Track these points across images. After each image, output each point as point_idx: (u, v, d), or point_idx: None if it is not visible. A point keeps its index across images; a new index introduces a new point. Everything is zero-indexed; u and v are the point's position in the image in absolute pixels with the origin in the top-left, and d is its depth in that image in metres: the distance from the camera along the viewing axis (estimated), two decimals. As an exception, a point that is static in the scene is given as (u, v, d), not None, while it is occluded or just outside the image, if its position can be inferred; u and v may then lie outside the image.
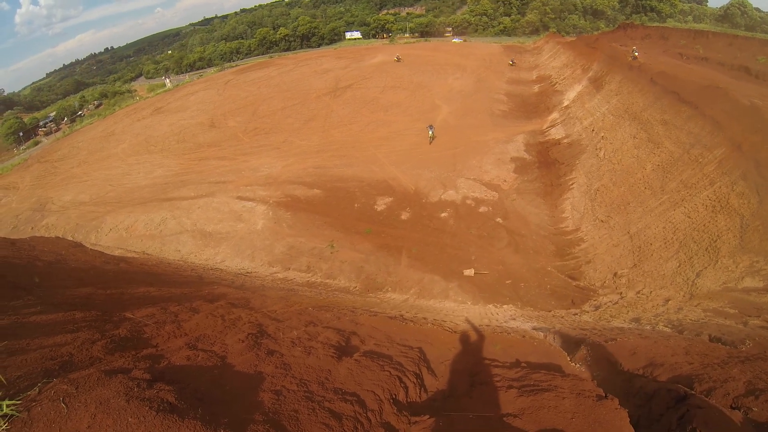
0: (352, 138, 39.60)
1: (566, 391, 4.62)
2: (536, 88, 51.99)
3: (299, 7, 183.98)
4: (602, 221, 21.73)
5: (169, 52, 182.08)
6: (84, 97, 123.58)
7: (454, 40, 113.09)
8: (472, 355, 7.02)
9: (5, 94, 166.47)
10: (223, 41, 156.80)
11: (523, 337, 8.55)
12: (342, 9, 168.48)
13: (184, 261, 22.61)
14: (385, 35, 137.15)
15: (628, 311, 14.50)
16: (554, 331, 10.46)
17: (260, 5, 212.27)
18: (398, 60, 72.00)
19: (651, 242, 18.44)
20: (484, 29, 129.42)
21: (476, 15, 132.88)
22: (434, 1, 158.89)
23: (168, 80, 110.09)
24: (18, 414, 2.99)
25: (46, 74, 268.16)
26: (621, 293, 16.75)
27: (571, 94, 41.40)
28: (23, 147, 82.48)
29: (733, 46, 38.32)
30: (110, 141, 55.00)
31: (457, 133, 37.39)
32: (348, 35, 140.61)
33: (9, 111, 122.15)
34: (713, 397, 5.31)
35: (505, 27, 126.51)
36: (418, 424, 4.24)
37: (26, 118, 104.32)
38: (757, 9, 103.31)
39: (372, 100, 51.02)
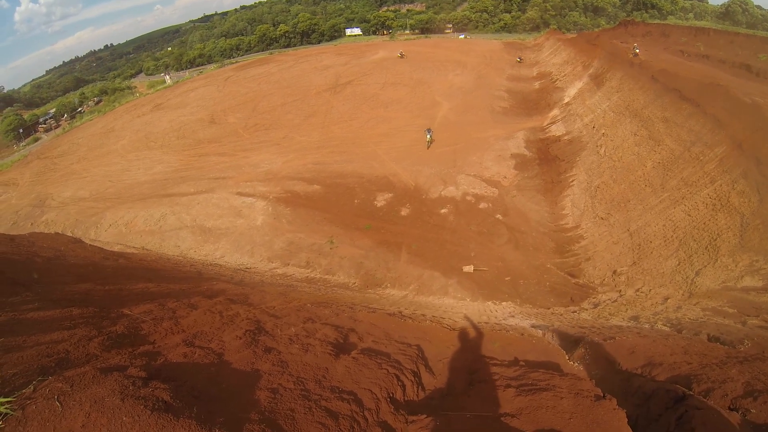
0: (352, 134, 39.57)
1: (564, 390, 4.60)
2: (537, 84, 51.90)
3: (299, 3, 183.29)
4: (602, 218, 21.71)
5: (169, 48, 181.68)
6: (84, 93, 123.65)
7: (460, 36, 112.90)
8: (470, 353, 7.01)
9: (5, 91, 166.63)
10: (223, 38, 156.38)
11: (522, 335, 8.54)
12: (342, 5, 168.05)
13: (184, 257, 22.60)
14: (385, 32, 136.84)
15: (627, 309, 14.48)
16: (553, 329, 10.45)
17: (260, 2, 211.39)
18: (402, 56, 71.75)
19: (651, 240, 18.43)
20: (484, 26, 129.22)
21: (477, 12, 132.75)
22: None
23: (168, 77, 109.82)
24: (12, 412, 2.97)
25: (46, 71, 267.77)
26: (620, 291, 16.74)
27: (571, 91, 41.34)
28: (23, 144, 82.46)
29: (734, 43, 38.11)
30: (110, 137, 54.94)
31: (457, 129, 37.35)
32: (348, 32, 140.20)
33: (9, 108, 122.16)
34: (711, 397, 5.30)
35: (505, 24, 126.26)
36: (416, 423, 4.22)
37: (26, 115, 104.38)
38: (759, 6, 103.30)
39: (372, 97, 50.95)
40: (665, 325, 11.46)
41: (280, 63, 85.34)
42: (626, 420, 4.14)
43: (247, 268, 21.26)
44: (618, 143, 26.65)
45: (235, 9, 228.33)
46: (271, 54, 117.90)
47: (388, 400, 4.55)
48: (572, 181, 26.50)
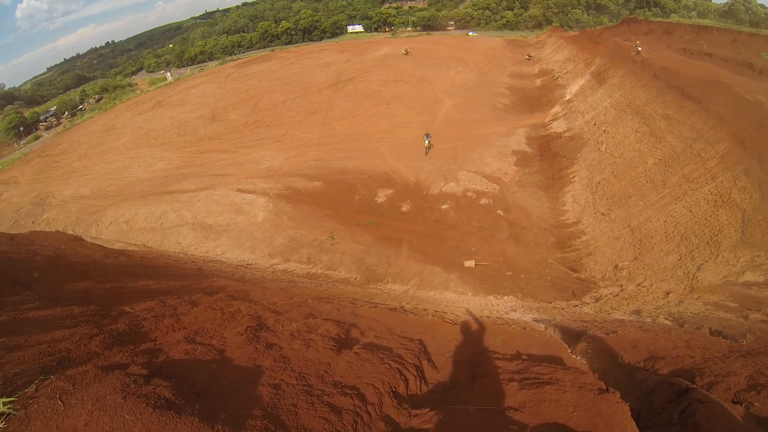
0: (353, 131, 39.53)
1: (567, 384, 4.58)
2: (538, 81, 51.84)
3: (301, 0, 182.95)
4: (603, 214, 21.68)
5: (171, 45, 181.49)
6: (85, 91, 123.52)
7: (468, 33, 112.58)
8: (472, 346, 6.99)
9: (6, 89, 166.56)
10: (225, 35, 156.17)
11: (524, 329, 8.53)
12: (344, 2, 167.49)
13: (185, 253, 22.62)
14: (387, 29, 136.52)
15: (628, 303, 14.49)
16: (555, 323, 10.44)
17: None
18: (406, 53, 71.38)
19: (652, 235, 18.41)
20: (486, 23, 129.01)
21: (479, 9, 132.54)
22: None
23: (169, 74, 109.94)
24: (15, 412, 2.97)
25: (47, 69, 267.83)
26: (622, 285, 16.74)
27: (573, 88, 41.29)
28: (24, 141, 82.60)
29: (737, 42, 37.97)
30: (111, 135, 54.97)
31: (458, 126, 37.31)
32: (350, 29, 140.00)
33: (10, 106, 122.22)
34: (714, 391, 5.28)
35: (507, 21, 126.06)
36: (419, 417, 4.21)
37: (27, 113, 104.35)
38: (762, 5, 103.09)
39: (374, 94, 50.88)
40: (667, 319, 11.46)
41: (282, 60, 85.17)
42: (629, 413, 4.13)
43: (248, 264, 21.27)
44: (619, 140, 26.60)
45: (237, 6, 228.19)
46: (272, 51, 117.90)
47: (391, 394, 4.54)
48: (573, 178, 26.46)
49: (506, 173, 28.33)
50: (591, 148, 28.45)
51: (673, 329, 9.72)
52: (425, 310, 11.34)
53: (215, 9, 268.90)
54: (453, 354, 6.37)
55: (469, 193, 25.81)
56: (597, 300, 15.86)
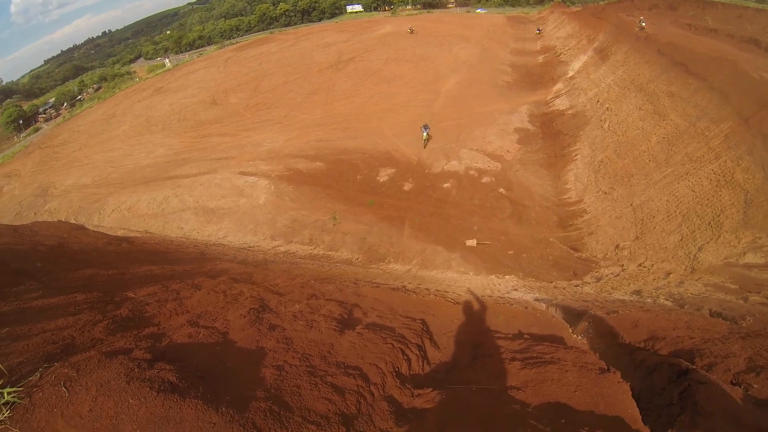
0: (354, 110, 39.24)
1: (569, 363, 4.62)
2: (541, 58, 51.16)
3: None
4: (605, 193, 21.60)
5: (168, 32, 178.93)
6: (83, 81, 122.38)
7: (478, 11, 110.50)
8: (475, 326, 7.03)
9: (4, 83, 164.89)
10: (223, 19, 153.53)
11: (526, 308, 8.56)
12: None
13: (187, 238, 22.68)
14: (387, 8, 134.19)
15: (629, 284, 14.52)
16: (556, 302, 10.48)
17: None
18: (411, 32, 70.28)
19: (654, 215, 18.36)
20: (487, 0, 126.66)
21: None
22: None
23: (167, 60, 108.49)
24: (20, 400, 3.00)
25: (44, 61, 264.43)
26: (623, 265, 16.76)
27: (576, 65, 40.78)
28: (24, 134, 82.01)
29: (743, 17, 37.27)
30: (111, 123, 54.56)
31: (460, 103, 36.99)
32: (349, 8, 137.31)
33: (8, 100, 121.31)
34: (714, 372, 5.32)
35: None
36: (422, 397, 4.24)
37: (26, 106, 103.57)
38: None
39: (375, 73, 50.34)
40: (668, 300, 11.50)
41: (281, 42, 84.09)
42: (630, 393, 4.17)
43: (250, 247, 21.33)
44: (622, 118, 26.35)
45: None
46: (271, 33, 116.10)
47: (394, 374, 4.58)
48: (576, 156, 26.30)
49: (508, 151, 28.17)
50: (594, 125, 28.22)
51: (673, 310, 9.76)
52: (427, 289, 11.38)
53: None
54: (455, 334, 6.41)
55: (471, 172, 25.70)
56: (598, 280, 15.89)
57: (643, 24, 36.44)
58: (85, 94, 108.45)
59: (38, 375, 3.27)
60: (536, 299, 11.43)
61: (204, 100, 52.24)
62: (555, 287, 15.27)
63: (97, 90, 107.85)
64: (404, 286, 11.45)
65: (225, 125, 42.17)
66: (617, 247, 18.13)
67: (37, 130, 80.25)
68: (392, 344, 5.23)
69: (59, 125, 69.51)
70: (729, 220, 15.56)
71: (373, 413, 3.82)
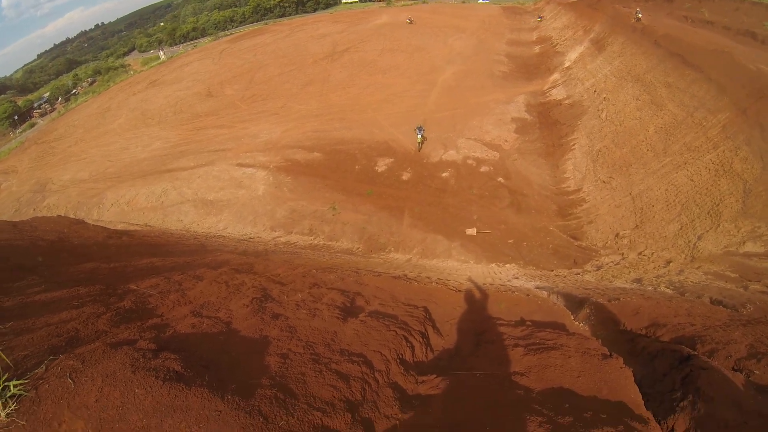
0: (350, 101, 39.07)
1: (572, 349, 4.63)
2: (537, 49, 50.93)
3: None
4: (604, 182, 21.61)
5: (162, 24, 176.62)
6: (77, 75, 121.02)
7: (480, 1, 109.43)
8: (477, 313, 7.05)
9: None
10: (216, 10, 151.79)
11: (527, 296, 8.59)
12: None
13: (187, 230, 22.67)
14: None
15: (629, 272, 14.58)
16: (557, 290, 10.51)
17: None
18: (411, 22, 69.64)
19: (653, 204, 18.40)
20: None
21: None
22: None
23: (162, 52, 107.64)
24: (26, 393, 3.00)
25: (37, 56, 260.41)
26: (623, 254, 16.80)
27: (572, 56, 40.66)
28: (19, 130, 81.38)
29: (740, 10, 37.03)
30: (106, 117, 54.24)
31: (457, 94, 36.85)
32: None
33: (2, 95, 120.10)
34: (715, 358, 5.36)
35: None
36: (426, 384, 4.27)
37: (20, 101, 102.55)
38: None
39: (370, 63, 50.05)
40: (668, 288, 11.55)
41: (276, 33, 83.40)
42: (633, 379, 4.19)
43: (250, 238, 21.33)
44: (620, 108, 26.32)
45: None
46: (266, 24, 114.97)
47: (398, 361, 4.60)
48: (573, 145, 26.28)
49: (506, 141, 28.12)
50: (591, 115, 28.17)
51: (674, 297, 9.80)
52: (428, 278, 11.41)
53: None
54: (458, 321, 6.43)
55: (470, 161, 25.67)
56: (598, 268, 15.93)
57: (640, 15, 36.34)
58: (79, 88, 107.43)
59: (43, 367, 3.27)
60: (537, 287, 11.46)
61: (199, 92, 51.94)
62: (556, 275, 15.32)
63: (91, 84, 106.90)
64: (405, 275, 11.47)
65: (221, 117, 41.99)
66: (617, 235, 18.16)
67: (32, 125, 79.79)
68: (395, 331, 5.24)
69: (55, 120, 69.11)
70: (728, 209, 15.62)
71: (378, 400, 3.83)
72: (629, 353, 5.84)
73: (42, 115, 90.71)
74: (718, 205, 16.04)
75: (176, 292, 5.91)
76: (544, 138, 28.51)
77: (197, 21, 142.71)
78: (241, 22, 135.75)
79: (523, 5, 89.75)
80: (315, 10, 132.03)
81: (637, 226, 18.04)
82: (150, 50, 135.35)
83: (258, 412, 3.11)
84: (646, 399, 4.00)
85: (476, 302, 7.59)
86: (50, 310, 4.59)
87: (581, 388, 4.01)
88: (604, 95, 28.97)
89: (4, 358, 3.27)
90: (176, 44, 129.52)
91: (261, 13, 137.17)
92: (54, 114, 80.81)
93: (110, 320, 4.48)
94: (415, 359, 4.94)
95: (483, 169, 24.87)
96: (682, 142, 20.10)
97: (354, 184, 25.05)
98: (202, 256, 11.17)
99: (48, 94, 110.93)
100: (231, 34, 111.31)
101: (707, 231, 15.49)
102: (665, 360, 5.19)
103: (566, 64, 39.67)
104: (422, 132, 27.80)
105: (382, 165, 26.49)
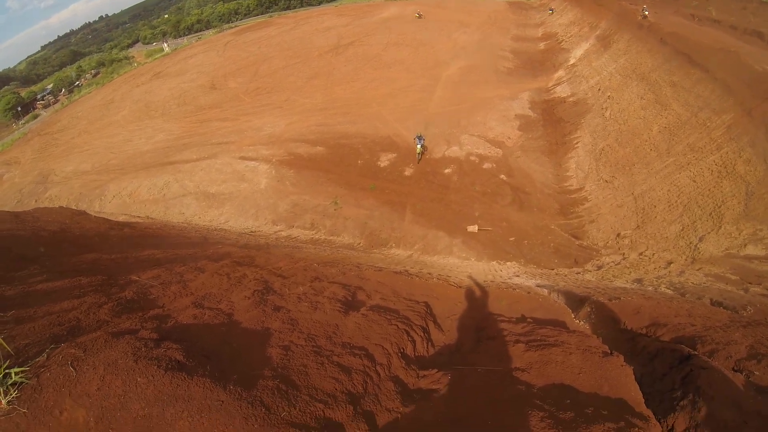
0: (355, 95, 38.96)
1: (573, 346, 4.63)
2: (542, 45, 50.67)
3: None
4: (606, 181, 21.56)
5: (166, 16, 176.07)
6: (81, 67, 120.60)
7: None
8: (478, 310, 7.05)
9: (0, 70, 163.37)
10: (221, 2, 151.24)
11: (528, 293, 8.59)
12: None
13: (189, 223, 22.69)
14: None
15: (630, 272, 14.57)
16: (558, 288, 10.52)
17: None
18: (419, 17, 69.12)
19: (655, 204, 18.35)
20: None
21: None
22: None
23: (166, 45, 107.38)
24: (27, 381, 3.00)
25: (41, 47, 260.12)
26: (624, 254, 16.78)
27: (577, 52, 40.45)
28: (22, 121, 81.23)
29: (747, 10, 36.73)
30: (110, 109, 54.12)
31: (461, 89, 36.71)
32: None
33: (6, 87, 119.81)
34: (716, 358, 5.36)
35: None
36: (427, 378, 4.27)
37: (23, 93, 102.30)
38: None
39: (375, 57, 49.87)
40: (669, 289, 11.55)
41: (281, 26, 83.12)
42: (633, 376, 4.19)
43: (251, 231, 21.34)
44: (624, 106, 26.20)
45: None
46: (270, 17, 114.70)
47: (399, 355, 4.60)
48: (577, 143, 26.20)
49: (509, 138, 28.04)
50: (595, 113, 28.06)
51: (675, 298, 9.80)
52: (430, 274, 11.42)
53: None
54: (459, 317, 6.43)
55: (472, 158, 25.61)
56: (599, 268, 15.92)
57: (646, 13, 36.06)
58: (83, 79, 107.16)
59: (45, 356, 3.28)
60: (538, 285, 11.47)
61: (203, 84, 51.80)
62: (556, 274, 15.32)
63: (95, 75, 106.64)
64: (407, 270, 11.49)
65: (225, 110, 41.89)
66: (618, 235, 18.14)
67: (35, 116, 79.63)
68: (397, 326, 5.24)
69: (58, 111, 68.99)
70: (730, 211, 15.58)
71: (380, 393, 3.84)
72: (629, 352, 5.84)
73: (45, 107, 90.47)
74: (720, 206, 16.00)
75: (178, 284, 5.92)
76: (548, 135, 28.42)
77: (202, 13, 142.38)
78: (245, 15, 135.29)
79: (529, 1, 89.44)
80: (320, 3, 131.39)
81: (638, 226, 18.01)
82: (154, 42, 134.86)
83: (260, 402, 3.12)
84: (646, 397, 4.01)
85: (477, 299, 7.59)
86: (52, 299, 4.60)
87: (582, 385, 4.02)
88: (609, 93, 28.85)
89: (5, 346, 3.28)
90: (180, 36, 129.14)
91: (266, 6, 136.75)
92: (57, 105, 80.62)
93: (112, 310, 4.49)
94: (417, 354, 4.95)
95: (486, 166, 24.82)
96: (685, 143, 20.03)
97: (357, 178, 25.01)
98: (204, 249, 11.18)
99: (51, 85, 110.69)
100: (236, 26, 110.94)
101: (709, 233, 15.46)
102: (665, 359, 5.20)
103: (571, 61, 39.46)
104: (422, 141, 25.77)
105: (385, 160, 26.44)
